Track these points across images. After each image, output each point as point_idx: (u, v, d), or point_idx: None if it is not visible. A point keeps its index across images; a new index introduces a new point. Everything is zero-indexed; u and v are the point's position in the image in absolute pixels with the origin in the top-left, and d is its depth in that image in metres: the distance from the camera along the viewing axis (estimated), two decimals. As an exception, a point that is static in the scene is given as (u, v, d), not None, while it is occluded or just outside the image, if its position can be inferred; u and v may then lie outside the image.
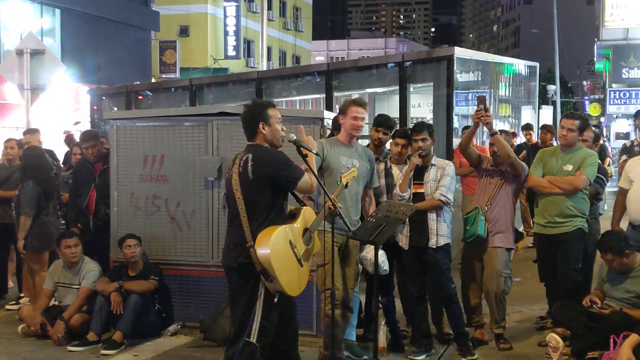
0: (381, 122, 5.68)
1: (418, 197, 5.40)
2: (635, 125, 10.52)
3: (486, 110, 5.49)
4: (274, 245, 3.96)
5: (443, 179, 5.37)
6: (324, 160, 5.02)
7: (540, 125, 11.25)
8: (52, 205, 6.98)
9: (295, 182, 4.14)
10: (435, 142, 5.55)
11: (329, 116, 6.02)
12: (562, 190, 5.62)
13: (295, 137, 4.28)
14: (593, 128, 7.11)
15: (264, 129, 4.17)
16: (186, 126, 6.19)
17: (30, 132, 8.36)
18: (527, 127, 11.41)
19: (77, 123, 17.22)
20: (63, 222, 7.52)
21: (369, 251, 5.04)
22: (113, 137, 6.42)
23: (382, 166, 5.65)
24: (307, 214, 4.32)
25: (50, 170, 7.11)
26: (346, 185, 4.66)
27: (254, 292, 4.04)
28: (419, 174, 5.44)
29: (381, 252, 5.09)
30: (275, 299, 4.01)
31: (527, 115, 16.17)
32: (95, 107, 14.41)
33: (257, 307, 4.01)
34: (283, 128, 4.26)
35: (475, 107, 5.67)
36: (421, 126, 5.56)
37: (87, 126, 14.95)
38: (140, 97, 13.57)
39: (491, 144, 5.69)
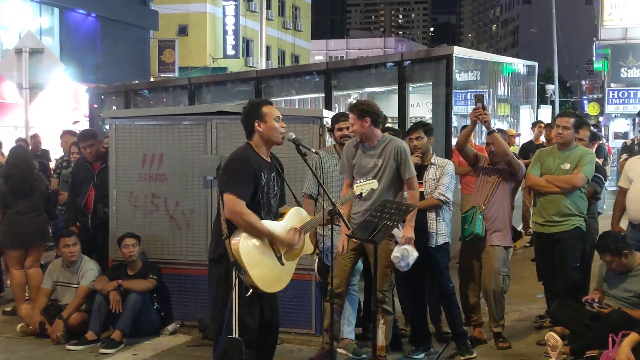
0: None
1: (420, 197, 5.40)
2: (635, 123, 10.56)
3: (484, 108, 5.49)
4: (245, 238, 3.99)
5: (442, 177, 5.37)
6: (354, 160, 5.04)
7: (544, 124, 11.20)
8: (32, 204, 6.67)
9: (223, 192, 4.05)
10: (433, 140, 5.55)
11: (328, 115, 6.02)
12: (560, 189, 5.63)
13: (294, 136, 4.28)
14: (592, 128, 7.12)
15: (259, 126, 4.18)
16: (185, 125, 6.19)
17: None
18: (539, 122, 11.30)
19: (75, 122, 17.22)
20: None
21: (396, 250, 4.97)
22: (112, 136, 6.42)
23: None
24: (302, 214, 4.32)
25: (27, 170, 6.73)
26: (360, 195, 4.66)
27: (228, 285, 4.02)
28: (419, 173, 5.44)
29: (401, 248, 4.96)
30: (248, 294, 3.98)
31: (526, 114, 16.17)
32: (95, 106, 14.40)
33: (233, 301, 4.00)
34: (282, 125, 4.24)
35: (474, 106, 5.67)
36: (416, 125, 5.60)
37: (85, 125, 14.95)
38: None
39: (488, 143, 5.70)
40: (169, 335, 6.01)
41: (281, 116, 4.26)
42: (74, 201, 6.77)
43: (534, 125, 11.49)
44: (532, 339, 5.85)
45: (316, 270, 5.53)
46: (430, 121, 11.14)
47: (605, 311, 5.25)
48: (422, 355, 5.42)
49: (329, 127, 5.78)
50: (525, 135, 15.97)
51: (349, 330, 5.48)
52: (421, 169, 5.44)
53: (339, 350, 5.36)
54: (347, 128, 5.48)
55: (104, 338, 5.78)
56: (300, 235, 4.27)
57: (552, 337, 5.27)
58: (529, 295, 7.20)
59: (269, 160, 4.29)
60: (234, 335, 3.98)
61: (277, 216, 4.28)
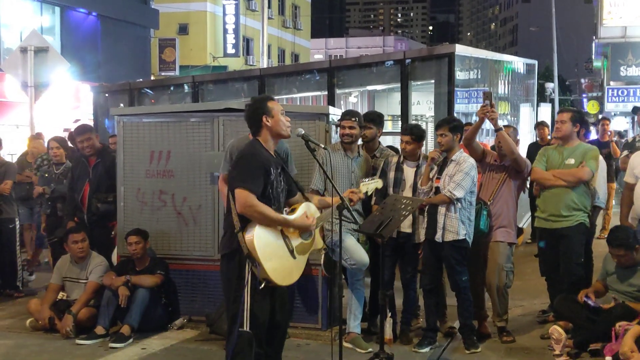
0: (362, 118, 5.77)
1: (439, 191, 5.44)
2: (635, 121, 10.64)
3: (492, 106, 5.54)
4: (260, 231, 4.02)
5: (456, 174, 5.37)
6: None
7: (536, 123, 11.27)
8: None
9: (234, 187, 4.06)
10: (460, 137, 5.55)
11: (333, 112, 6.09)
12: (567, 182, 5.68)
13: (303, 132, 4.34)
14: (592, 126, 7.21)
15: (267, 121, 4.22)
16: (192, 122, 6.25)
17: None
18: (542, 124, 11.30)
19: (76, 121, 17.24)
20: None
21: None
22: (120, 133, 6.48)
23: (394, 159, 5.71)
24: (311, 209, 4.36)
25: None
26: (365, 194, 4.74)
27: (241, 279, 4.05)
28: (441, 169, 5.50)
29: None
30: (261, 286, 4.02)
31: (526, 113, 16.22)
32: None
33: (246, 294, 4.03)
34: (287, 119, 4.28)
35: (475, 104, 5.73)
36: (442, 122, 5.64)
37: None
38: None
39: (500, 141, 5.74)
40: (176, 330, 6.07)
41: (284, 110, 4.31)
42: (72, 197, 6.84)
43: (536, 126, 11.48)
44: (536, 333, 5.92)
45: (322, 265, 5.60)
46: (432, 119, 11.21)
47: (605, 307, 5.32)
48: (427, 349, 5.48)
49: (337, 123, 5.85)
50: (525, 134, 16.04)
51: (355, 324, 5.55)
52: (444, 165, 5.50)
53: (345, 344, 5.43)
54: (350, 127, 5.55)
55: (112, 333, 5.85)
56: (311, 231, 4.30)
57: (556, 330, 5.32)
58: (532, 290, 7.26)
59: (275, 155, 4.34)
60: (245, 329, 4.03)
61: (284, 209, 4.31)
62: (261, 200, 4.08)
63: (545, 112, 20.96)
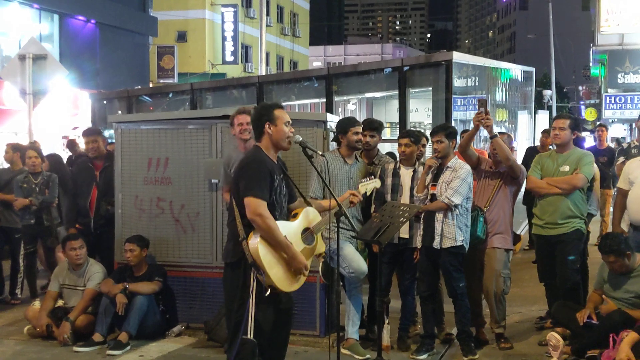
0: (364, 126, 5.80)
1: (434, 198, 5.46)
2: (633, 127, 10.67)
3: (487, 113, 5.57)
4: (264, 239, 4.02)
5: (453, 181, 5.39)
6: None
7: (542, 130, 11.25)
8: None
9: (244, 196, 4.04)
10: (455, 144, 5.59)
11: (331, 119, 6.11)
12: (561, 190, 5.70)
13: (301, 139, 4.36)
14: (590, 133, 7.23)
15: (270, 129, 4.22)
16: (190, 129, 6.27)
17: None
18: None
19: (75, 128, 17.25)
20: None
21: None
22: (118, 140, 6.49)
23: (390, 166, 5.74)
24: (310, 214, 4.38)
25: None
26: (365, 195, 4.74)
27: (246, 288, 4.06)
28: (436, 176, 5.52)
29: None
30: (267, 294, 4.02)
31: (524, 120, 16.26)
32: None
33: (251, 302, 4.03)
34: (291, 130, 4.30)
35: (472, 111, 5.76)
36: (437, 128, 5.66)
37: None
38: None
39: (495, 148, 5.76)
40: (174, 337, 6.07)
41: (291, 121, 4.32)
42: (74, 203, 6.82)
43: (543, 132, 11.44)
44: (534, 340, 5.93)
45: (321, 272, 5.59)
46: (430, 126, 11.25)
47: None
48: (425, 356, 5.49)
49: (333, 129, 5.86)
50: (523, 141, 16.06)
51: (353, 330, 5.56)
52: (439, 172, 5.53)
53: (343, 350, 5.43)
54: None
55: (110, 340, 5.85)
56: (313, 236, 4.33)
57: (554, 337, 5.34)
58: (530, 297, 7.27)
59: (276, 162, 4.36)
60: (249, 337, 4.02)
61: (289, 215, 4.34)
62: (271, 197, 4.09)
63: (543, 119, 20.99)
